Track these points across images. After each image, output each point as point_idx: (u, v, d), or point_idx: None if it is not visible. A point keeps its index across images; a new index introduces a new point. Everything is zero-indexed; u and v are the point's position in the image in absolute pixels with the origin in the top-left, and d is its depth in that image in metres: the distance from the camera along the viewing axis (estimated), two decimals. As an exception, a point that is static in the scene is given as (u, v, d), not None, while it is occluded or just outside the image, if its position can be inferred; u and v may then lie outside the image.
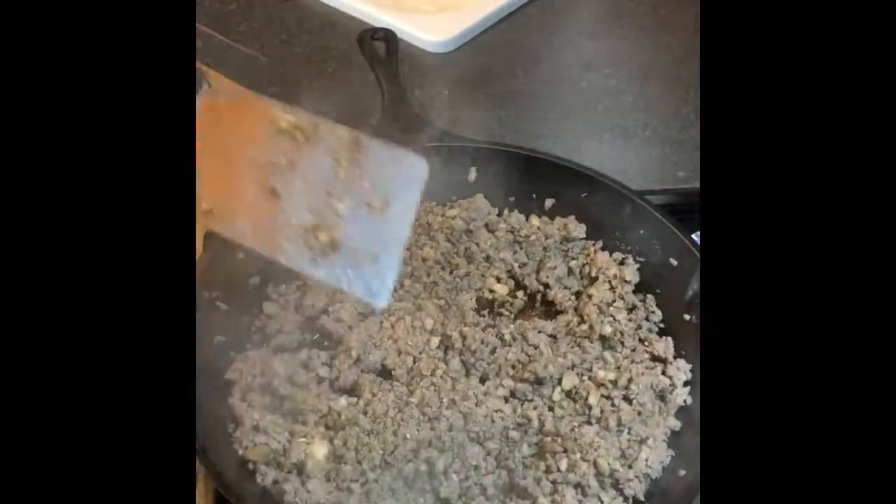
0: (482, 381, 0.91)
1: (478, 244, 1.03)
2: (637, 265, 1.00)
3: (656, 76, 1.34)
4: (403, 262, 0.99)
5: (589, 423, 0.87)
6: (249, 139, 0.77)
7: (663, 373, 0.91)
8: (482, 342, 0.92)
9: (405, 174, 0.79)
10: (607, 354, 0.92)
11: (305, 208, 0.77)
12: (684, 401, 0.89)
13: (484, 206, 1.06)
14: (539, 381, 0.89)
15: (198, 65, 0.70)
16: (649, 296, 0.99)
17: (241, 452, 0.82)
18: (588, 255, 1.03)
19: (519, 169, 1.06)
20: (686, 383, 0.90)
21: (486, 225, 1.05)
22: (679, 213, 1.02)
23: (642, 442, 0.85)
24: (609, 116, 1.27)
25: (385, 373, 0.91)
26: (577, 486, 0.81)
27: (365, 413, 0.85)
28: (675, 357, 0.93)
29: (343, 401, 0.86)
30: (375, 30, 1.20)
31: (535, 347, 0.92)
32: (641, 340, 0.95)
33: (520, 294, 1.02)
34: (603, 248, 1.03)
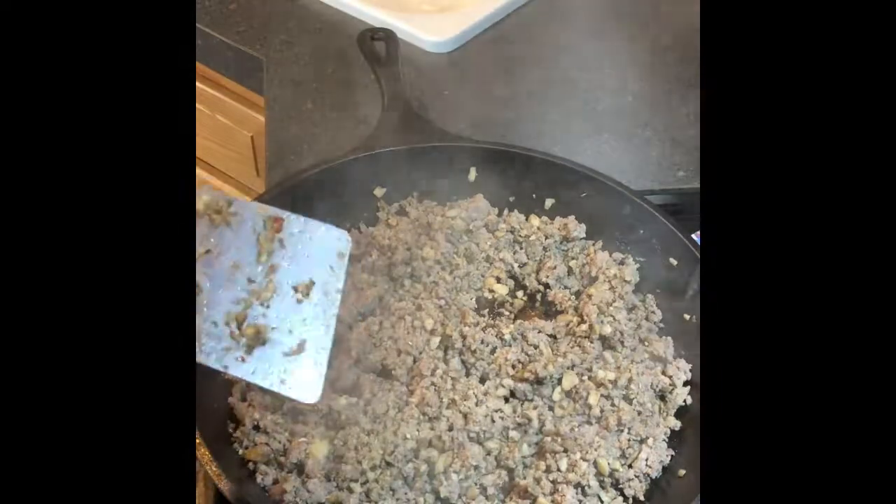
0: (482, 381, 0.91)
1: (478, 244, 1.03)
2: (637, 265, 1.00)
3: (656, 76, 1.34)
4: (409, 272, 0.99)
5: (589, 422, 0.87)
6: None
7: (663, 373, 0.91)
8: (482, 342, 0.92)
9: (328, 250, 0.75)
10: (607, 354, 0.92)
11: (228, 300, 0.72)
12: (684, 401, 0.89)
13: (484, 206, 1.05)
14: (539, 381, 0.89)
15: None
16: (649, 296, 0.99)
17: (241, 452, 0.82)
18: (588, 255, 1.03)
19: (519, 169, 1.06)
20: (686, 383, 0.90)
21: (486, 225, 1.05)
22: (679, 213, 1.02)
23: (642, 442, 0.85)
24: (609, 116, 1.27)
25: (385, 373, 0.91)
26: (577, 485, 0.81)
27: (365, 413, 0.85)
28: (675, 357, 0.93)
29: (343, 401, 0.86)
30: (375, 30, 1.20)
31: (535, 347, 0.92)
32: (641, 340, 0.95)
33: (520, 294, 1.02)
34: (603, 248, 1.03)
